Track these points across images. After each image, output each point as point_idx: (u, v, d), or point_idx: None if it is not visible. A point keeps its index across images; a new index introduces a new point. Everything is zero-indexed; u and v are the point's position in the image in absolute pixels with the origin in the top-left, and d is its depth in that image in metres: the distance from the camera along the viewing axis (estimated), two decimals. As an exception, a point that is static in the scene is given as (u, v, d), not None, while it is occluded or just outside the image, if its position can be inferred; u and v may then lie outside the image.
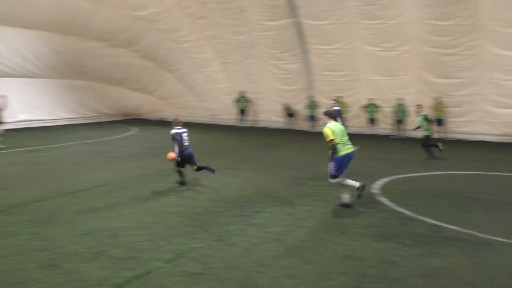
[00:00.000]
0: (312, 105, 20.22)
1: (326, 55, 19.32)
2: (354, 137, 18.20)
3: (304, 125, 21.12)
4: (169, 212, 7.79)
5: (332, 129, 7.96)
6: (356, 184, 8.07)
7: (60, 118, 23.32)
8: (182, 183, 9.82)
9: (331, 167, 7.95)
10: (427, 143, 13.43)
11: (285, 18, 19.07)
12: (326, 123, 8.19)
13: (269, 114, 22.52)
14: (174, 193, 9.21)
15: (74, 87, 24.16)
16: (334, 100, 16.11)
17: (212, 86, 23.60)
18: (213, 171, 9.84)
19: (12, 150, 14.51)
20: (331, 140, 7.87)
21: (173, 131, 9.74)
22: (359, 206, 8.15)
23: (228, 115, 23.36)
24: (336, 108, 15.23)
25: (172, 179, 10.33)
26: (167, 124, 24.01)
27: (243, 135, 19.55)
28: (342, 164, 8.00)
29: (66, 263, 5.55)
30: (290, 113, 21.35)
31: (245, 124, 22.52)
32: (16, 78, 21.15)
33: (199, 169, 9.89)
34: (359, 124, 19.56)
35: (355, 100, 19.37)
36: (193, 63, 23.30)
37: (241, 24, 20.20)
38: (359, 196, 8.09)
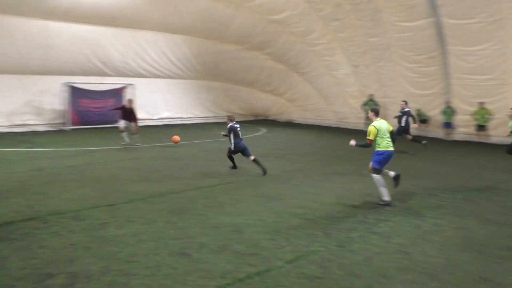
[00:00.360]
0: (449, 111, 18.74)
1: (469, 57, 17.72)
2: (498, 148, 16.55)
3: (438, 132, 19.72)
4: (291, 213, 7.86)
5: (377, 128, 8.46)
6: (392, 173, 8.70)
7: (196, 116, 25.11)
8: (234, 167, 11.65)
9: (354, 144, 8.95)
10: None
11: (423, 18, 17.95)
12: (372, 120, 8.73)
13: (399, 119, 21.49)
14: (297, 194, 9.27)
15: (210, 87, 25.82)
16: (404, 101, 15.92)
17: (341, 89, 23.30)
18: (264, 172, 11.01)
19: (154, 144, 16.02)
20: (369, 139, 8.49)
21: (230, 124, 11.45)
22: (501, 226, 7.33)
23: (355, 119, 22.85)
24: (406, 109, 15.56)
25: (296, 181, 10.43)
26: (295, 126, 24.42)
27: (371, 140, 18.91)
28: (383, 159, 8.50)
29: (195, 253, 5.93)
30: (423, 119, 20.08)
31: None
32: (161, 79, 23.35)
33: (255, 161, 11.25)
34: (506, 133, 17.61)
35: (502, 106, 17.42)
36: (323, 65, 23.26)
37: (375, 25, 19.56)
38: (396, 186, 8.76)
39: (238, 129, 11.40)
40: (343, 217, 7.65)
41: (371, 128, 8.48)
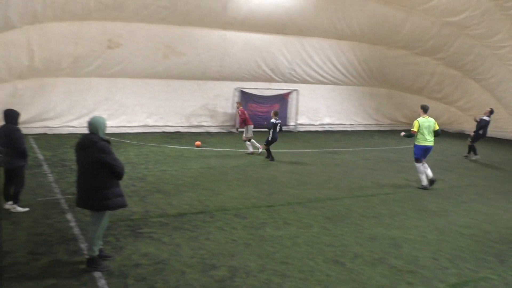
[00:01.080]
0: None
1: None
2: None
3: None
4: (457, 232, 7.18)
5: (420, 123, 10.11)
6: (430, 175, 10.21)
7: (357, 123, 24.67)
8: (272, 159, 13.36)
9: (403, 134, 10.88)
10: None
11: None
12: (420, 115, 10.29)
13: None
14: (465, 212, 8.43)
15: (373, 94, 25.09)
16: (490, 109, 15.19)
17: (528, 98, 20.43)
18: (271, 159, 13.36)
19: (315, 150, 16.22)
20: (413, 130, 10.17)
21: (272, 120, 13.51)
22: None
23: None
24: (484, 118, 14.83)
25: (464, 198, 9.49)
26: (467, 137, 22.20)
27: None
28: (421, 151, 10.18)
29: (349, 262, 5.82)
30: None
31: None
32: (324, 85, 23.53)
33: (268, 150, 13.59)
34: None
35: None
36: (508, 71, 20.69)
37: None
38: (430, 185, 10.05)
39: (278, 124, 13.51)
40: (522, 244, 6.70)
41: (415, 122, 10.23)
